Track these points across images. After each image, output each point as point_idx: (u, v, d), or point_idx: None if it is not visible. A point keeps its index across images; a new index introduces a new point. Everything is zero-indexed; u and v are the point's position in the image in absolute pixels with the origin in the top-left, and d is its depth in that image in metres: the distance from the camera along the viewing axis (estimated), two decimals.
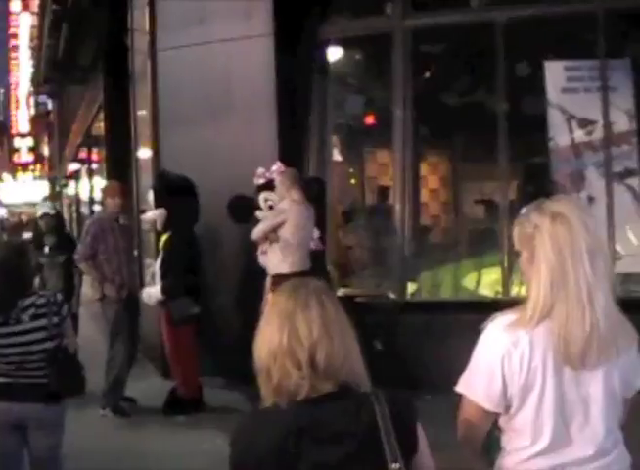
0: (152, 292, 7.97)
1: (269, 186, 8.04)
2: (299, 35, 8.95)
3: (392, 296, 8.78)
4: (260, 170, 8.23)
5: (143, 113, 10.24)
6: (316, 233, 8.10)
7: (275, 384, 2.21)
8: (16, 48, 60.30)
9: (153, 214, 8.18)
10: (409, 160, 8.90)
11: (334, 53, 9.59)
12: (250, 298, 7.72)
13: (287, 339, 2.20)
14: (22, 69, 59.16)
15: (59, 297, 4.58)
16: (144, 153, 10.39)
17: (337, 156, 10.24)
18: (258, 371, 2.26)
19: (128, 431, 7.52)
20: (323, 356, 2.18)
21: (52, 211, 9.79)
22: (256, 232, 7.62)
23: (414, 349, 8.14)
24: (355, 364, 2.26)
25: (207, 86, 8.93)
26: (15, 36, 59.07)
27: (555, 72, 8.54)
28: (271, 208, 8.02)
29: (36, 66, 22.98)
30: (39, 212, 9.84)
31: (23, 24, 54.48)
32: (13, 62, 63.26)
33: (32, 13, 42.78)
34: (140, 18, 9.96)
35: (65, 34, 14.07)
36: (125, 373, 8.06)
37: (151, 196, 8.27)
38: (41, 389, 4.40)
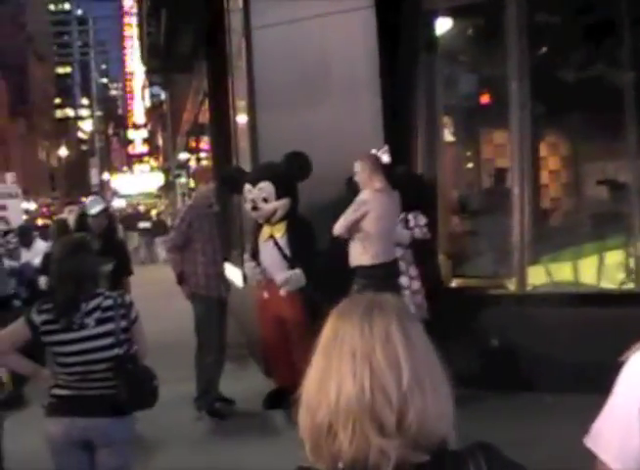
0: (298, 274, 7.10)
1: None
2: (402, 6, 8.39)
3: (511, 287, 8.23)
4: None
5: (241, 97, 9.81)
6: (422, 220, 7.55)
7: (338, 451, 1.50)
8: (130, 39, 61.04)
9: (274, 206, 7.30)
10: (527, 140, 8.36)
11: (441, 25, 8.93)
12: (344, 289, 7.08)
13: (369, 390, 1.49)
14: (136, 60, 60.02)
15: (127, 298, 4.14)
16: (243, 139, 9.91)
17: (448, 137, 9.62)
18: (304, 426, 1.57)
19: (222, 435, 7.16)
20: (415, 416, 1.49)
21: (107, 210, 8.69)
22: (338, 228, 7.09)
23: (533, 345, 7.56)
24: (450, 418, 1.57)
25: (304, 66, 8.42)
26: (129, 27, 59.77)
27: None
28: None
29: (142, 56, 23.03)
30: (93, 210, 8.43)
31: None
32: (127, 53, 64.17)
33: None
34: None
35: (164, 21, 13.79)
36: (217, 374, 7.62)
37: (264, 189, 7.35)
38: (108, 401, 3.96)
